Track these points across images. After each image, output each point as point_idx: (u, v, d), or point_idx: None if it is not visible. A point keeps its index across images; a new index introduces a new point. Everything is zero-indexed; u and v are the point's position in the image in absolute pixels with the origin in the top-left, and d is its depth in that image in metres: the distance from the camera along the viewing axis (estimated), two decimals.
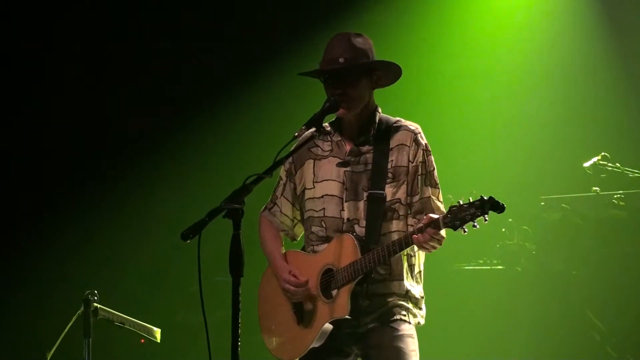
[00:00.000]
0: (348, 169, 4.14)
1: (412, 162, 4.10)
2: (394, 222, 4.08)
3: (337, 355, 4.11)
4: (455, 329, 7.59)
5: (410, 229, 4.04)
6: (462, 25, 9.03)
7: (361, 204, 4.09)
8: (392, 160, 4.10)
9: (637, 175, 7.60)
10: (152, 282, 8.34)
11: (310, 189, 4.20)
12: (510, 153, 8.83)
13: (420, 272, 4.19)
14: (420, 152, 4.11)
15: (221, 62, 8.63)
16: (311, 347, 4.06)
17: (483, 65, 8.93)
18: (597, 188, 7.69)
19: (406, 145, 4.11)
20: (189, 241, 3.54)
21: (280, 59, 8.51)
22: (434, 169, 4.15)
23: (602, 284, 7.57)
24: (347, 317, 3.98)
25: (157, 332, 5.33)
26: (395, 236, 4.03)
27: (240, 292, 3.49)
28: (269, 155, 3.92)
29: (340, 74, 4.05)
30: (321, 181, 4.18)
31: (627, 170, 7.64)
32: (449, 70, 8.94)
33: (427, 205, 4.07)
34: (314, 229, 4.17)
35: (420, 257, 4.18)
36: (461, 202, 3.78)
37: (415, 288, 4.14)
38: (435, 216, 3.83)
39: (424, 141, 4.14)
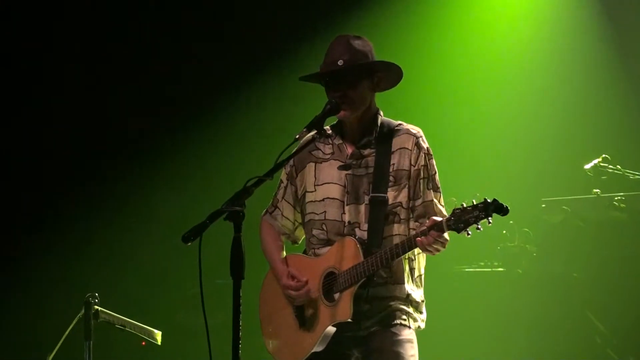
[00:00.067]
0: (349, 172, 4.14)
1: (414, 166, 4.10)
2: (395, 225, 4.08)
3: (338, 359, 4.09)
4: (456, 331, 7.59)
5: (413, 232, 4.04)
6: (462, 26, 9.01)
7: (362, 208, 4.09)
8: (393, 164, 4.10)
9: (637, 177, 7.60)
10: (153, 284, 8.33)
11: (311, 192, 4.20)
12: (511, 155, 8.83)
13: (420, 275, 4.19)
14: (422, 156, 4.11)
15: (221, 62, 8.62)
16: (313, 351, 4.05)
17: (482, 67, 8.92)
18: (597, 190, 7.68)
19: (408, 149, 4.11)
20: (189, 243, 3.54)
21: (280, 59, 8.51)
22: (435, 172, 4.15)
23: (603, 286, 7.56)
24: (349, 320, 3.98)
25: (158, 334, 5.33)
26: (396, 240, 4.03)
27: (241, 294, 3.49)
28: (269, 155, 3.93)
29: (340, 76, 4.05)
30: (322, 184, 4.18)
31: (627, 172, 7.64)
32: (448, 72, 8.93)
33: (429, 209, 4.07)
34: (314, 232, 4.17)
35: (420, 261, 4.18)
36: (464, 205, 3.77)
37: (416, 292, 4.14)
38: (439, 219, 3.82)
39: (425, 145, 4.14)
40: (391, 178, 4.09)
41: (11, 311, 7.99)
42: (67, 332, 5.05)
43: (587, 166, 7.73)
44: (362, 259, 3.96)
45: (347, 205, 4.11)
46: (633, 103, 8.77)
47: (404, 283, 4.08)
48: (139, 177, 8.46)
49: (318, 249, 4.16)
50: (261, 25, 8.67)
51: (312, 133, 4.07)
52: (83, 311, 4.97)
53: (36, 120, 8.24)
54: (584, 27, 8.95)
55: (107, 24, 8.45)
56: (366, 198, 4.08)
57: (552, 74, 8.93)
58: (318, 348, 4.05)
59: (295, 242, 4.38)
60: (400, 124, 4.18)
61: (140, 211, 8.46)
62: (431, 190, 4.11)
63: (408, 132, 4.14)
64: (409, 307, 4.10)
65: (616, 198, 7.62)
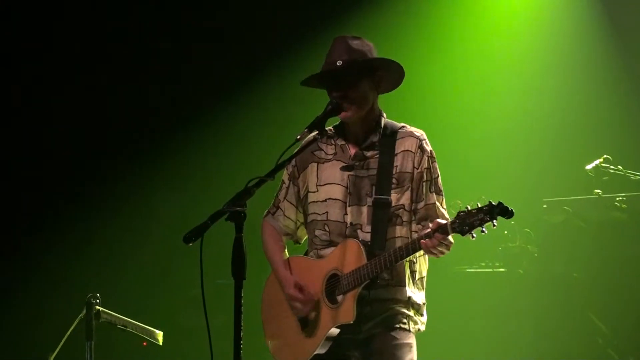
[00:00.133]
0: (352, 173, 4.13)
1: (417, 169, 4.10)
2: (398, 227, 4.07)
3: None
4: (457, 332, 7.59)
5: (415, 235, 4.04)
6: (462, 27, 9.01)
7: (364, 209, 4.08)
8: (396, 166, 4.09)
9: (639, 177, 7.60)
10: (154, 284, 8.34)
11: (314, 192, 4.20)
12: (512, 156, 8.82)
13: (422, 278, 4.19)
14: (426, 159, 4.11)
15: (221, 62, 8.62)
16: (316, 352, 4.05)
17: (483, 68, 8.92)
18: (599, 190, 7.68)
19: (411, 152, 4.11)
20: (191, 244, 3.53)
21: (280, 59, 8.51)
22: (438, 175, 4.15)
23: (604, 287, 7.56)
24: (351, 322, 3.97)
25: (159, 334, 5.33)
26: (399, 242, 4.03)
27: (242, 295, 3.49)
28: (270, 156, 3.92)
29: (340, 76, 4.04)
30: (324, 184, 4.17)
31: (629, 173, 7.64)
32: (448, 73, 8.93)
33: (431, 212, 4.07)
34: (317, 232, 4.16)
35: (422, 264, 4.18)
36: (469, 208, 3.77)
37: (417, 295, 4.14)
38: (443, 221, 3.82)
39: (429, 148, 4.14)
40: (394, 180, 4.08)
41: (12, 311, 7.99)
42: (68, 333, 5.06)
43: (589, 167, 7.73)
44: (365, 261, 3.95)
45: (349, 206, 4.10)
46: (634, 103, 8.77)
47: (405, 286, 4.07)
48: (139, 177, 8.46)
49: (321, 249, 4.15)
50: (261, 25, 8.67)
51: (314, 134, 4.08)
52: (84, 311, 4.98)
53: (36, 120, 8.24)
54: (585, 28, 8.96)
55: (107, 24, 8.44)
56: (369, 200, 4.07)
57: (553, 74, 8.93)
58: (321, 350, 4.04)
59: (297, 242, 4.37)
60: (403, 126, 4.17)
61: (140, 211, 8.46)
62: (434, 193, 4.11)
63: (412, 134, 4.14)
64: (409, 310, 4.09)
65: (617, 198, 7.62)
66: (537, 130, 8.89)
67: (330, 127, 4.21)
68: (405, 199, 4.08)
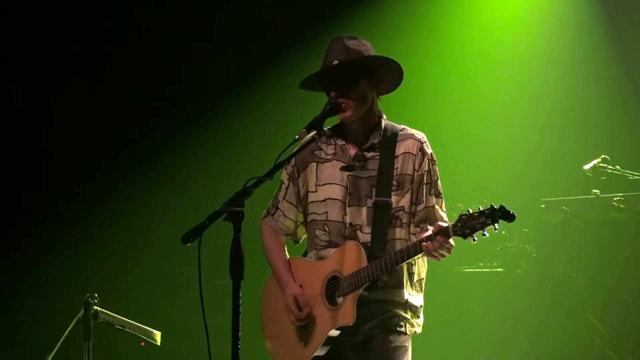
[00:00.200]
0: (352, 173, 4.13)
1: (418, 171, 4.10)
2: (398, 229, 4.08)
3: None
4: (455, 332, 7.59)
5: (412, 237, 4.05)
6: (460, 27, 9.00)
7: (364, 210, 4.08)
8: (397, 168, 4.09)
9: (637, 177, 7.60)
10: (152, 284, 8.33)
11: (313, 192, 4.20)
12: (510, 155, 8.82)
13: (421, 280, 4.18)
14: (426, 162, 4.12)
15: (221, 62, 8.62)
16: (315, 354, 4.05)
17: (481, 68, 8.91)
18: (597, 190, 7.68)
19: (412, 154, 4.11)
20: (189, 244, 3.53)
21: (280, 59, 8.50)
22: (438, 178, 4.15)
23: (602, 287, 7.56)
24: (350, 324, 3.97)
25: (157, 335, 5.33)
26: (398, 244, 4.04)
27: (240, 295, 3.48)
28: (270, 155, 3.92)
29: (337, 76, 4.04)
30: (324, 184, 4.17)
31: (627, 173, 7.64)
32: (447, 74, 8.92)
33: (430, 215, 4.08)
34: (317, 232, 4.16)
35: (421, 266, 4.18)
36: (470, 211, 3.77)
37: (415, 297, 4.13)
38: (445, 224, 3.82)
39: (429, 150, 4.14)
40: (394, 182, 4.08)
41: (11, 311, 7.99)
42: (66, 333, 5.05)
43: (587, 167, 7.73)
44: (365, 263, 3.95)
45: (348, 206, 4.11)
46: (632, 103, 8.76)
47: (403, 288, 4.07)
48: (139, 177, 8.46)
49: (321, 249, 4.15)
50: (261, 25, 8.66)
51: (312, 134, 4.07)
52: (82, 311, 4.97)
53: (36, 120, 8.24)
54: (584, 28, 8.95)
55: (107, 24, 8.44)
56: (369, 201, 4.08)
57: (551, 74, 8.92)
58: (320, 352, 4.04)
59: (297, 241, 4.36)
60: (404, 128, 4.17)
61: (140, 211, 8.46)
62: (433, 196, 4.11)
63: (413, 137, 4.14)
64: (406, 313, 4.09)
65: (615, 198, 7.62)
66: (535, 130, 8.88)
67: (329, 128, 4.20)
68: (405, 201, 4.09)
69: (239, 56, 8.63)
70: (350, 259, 4.00)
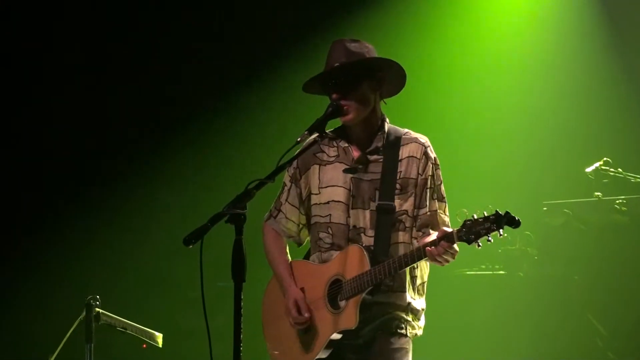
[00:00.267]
0: (355, 175, 4.12)
1: (422, 175, 4.10)
2: (401, 233, 4.08)
3: None
4: (457, 334, 7.59)
5: (414, 241, 4.05)
6: (460, 29, 8.98)
7: (367, 213, 4.08)
8: (400, 172, 4.09)
9: (639, 180, 7.60)
10: (154, 286, 8.32)
11: (316, 194, 4.20)
12: (512, 158, 8.80)
13: (423, 283, 4.19)
14: (430, 166, 4.12)
15: (221, 62, 8.61)
16: (317, 357, 4.05)
17: (483, 70, 8.89)
18: (599, 193, 7.68)
19: (416, 158, 4.11)
20: (191, 246, 3.53)
21: (280, 59, 8.50)
22: (441, 182, 4.15)
23: (604, 289, 7.57)
24: (353, 328, 3.96)
25: (159, 337, 5.33)
26: (401, 247, 4.04)
27: (242, 297, 3.49)
28: (271, 156, 3.92)
29: (339, 78, 4.04)
30: (326, 186, 4.17)
31: (629, 176, 7.64)
32: (448, 77, 8.91)
33: (433, 219, 4.08)
34: (321, 235, 4.16)
35: (423, 269, 4.18)
36: (475, 216, 3.77)
37: (417, 301, 4.14)
38: (449, 229, 3.82)
39: (433, 155, 4.15)
40: (398, 186, 4.08)
41: (11, 312, 7.98)
42: (68, 335, 5.06)
43: (589, 169, 7.73)
44: (368, 267, 3.95)
45: (352, 209, 4.11)
46: (634, 106, 8.75)
47: (405, 291, 4.08)
48: (139, 177, 8.45)
49: (324, 252, 4.14)
50: (261, 25, 8.66)
51: (314, 136, 4.06)
52: (84, 313, 4.97)
53: (36, 120, 8.23)
54: (585, 30, 8.93)
55: (107, 24, 8.44)
56: (372, 204, 4.07)
57: (553, 76, 8.91)
58: (322, 355, 4.04)
59: (300, 244, 4.36)
60: (407, 132, 4.17)
61: (140, 212, 8.45)
62: (436, 200, 4.12)
63: (416, 140, 4.14)
64: (408, 316, 4.10)
65: (617, 201, 7.62)
66: (536, 132, 8.87)
67: (331, 130, 4.19)
68: (408, 205, 4.08)
69: (239, 56, 8.62)
70: (353, 262, 4.00)
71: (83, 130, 8.33)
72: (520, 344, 7.62)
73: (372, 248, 4.01)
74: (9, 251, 8.05)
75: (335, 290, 4.03)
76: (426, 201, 4.09)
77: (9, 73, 8.17)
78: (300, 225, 4.29)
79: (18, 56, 8.18)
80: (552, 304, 7.68)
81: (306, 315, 4.06)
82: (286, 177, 4.29)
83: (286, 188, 4.29)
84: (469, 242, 3.77)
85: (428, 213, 4.08)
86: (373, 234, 4.05)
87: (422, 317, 4.17)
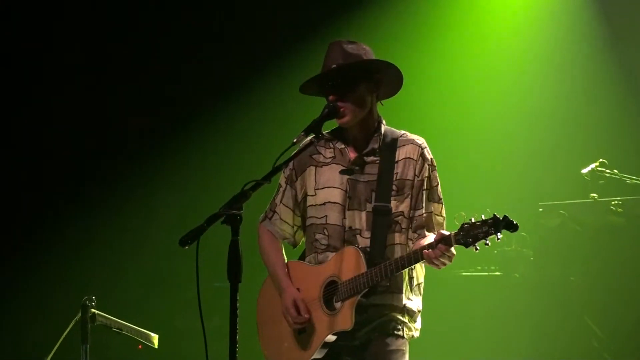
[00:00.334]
0: (351, 177, 4.12)
1: (418, 177, 4.10)
2: (397, 234, 4.08)
3: None
4: (453, 336, 7.58)
5: (410, 242, 4.05)
6: (459, 30, 8.98)
7: (364, 215, 4.08)
8: (397, 173, 4.09)
9: (635, 181, 7.59)
10: (150, 286, 8.33)
11: (312, 195, 4.19)
12: (508, 159, 8.80)
13: (419, 284, 4.18)
14: (426, 167, 4.11)
15: (221, 62, 8.62)
16: (312, 358, 4.04)
17: (479, 72, 8.89)
18: (595, 194, 7.67)
19: (413, 159, 4.10)
20: (187, 247, 3.54)
21: (280, 59, 8.50)
22: (437, 184, 4.15)
23: (600, 290, 7.56)
24: (348, 330, 3.96)
25: (155, 337, 5.32)
26: (397, 248, 4.05)
27: (238, 297, 3.48)
28: (270, 156, 3.91)
29: (336, 80, 4.03)
30: (322, 188, 4.16)
31: (625, 177, 7.63)
32: (445, 78, 8.91)
33: (429, 220, 4.08)
34: (317, 236, 4.15)
35: (419, 270, 4.17)
36: (473, 220, 3.77)
37: (414, 301, 4.13)
38: (447, 233, 3.81)
39: (429, 156, 4.14)
40: (394, 187, 4.07)
41: (9, 312, 7.99)
42: (63, 335, 5.05)
43: (584, 170, 7.72)
44: (365, 269, 3.94)
45: (348, 210, 4.10)
46: (631, 107, 8.75)
47: (402, 292, 4.07)
48: (139, 177, 8.46)
49: (320, 253, 4.14)
50: (261, 25, 8.67)
51: (310, 137, 4.06)
52: (80, 314, 4.97)
53: (36, 120, 8.25)
54: (582, 31, 8.93)
55: (107, 24, 8.45)
56: (369, 206, 4.07)
57: (549, 78, 8.90)
58: (317, 356, 4.04)
59: (295, 245, 4.35)
60: (404, 134, 4.17)
61: (139, 212, 8.47)
62: (432, 202, 4.11)
63: (413, 142, 4.13)
64: (404, 317, 4.09)
65: (613, 202, 7.61)
66: (532, 133, 8.87)
67: (327, 132, 4.19)
68: (404, 207, 4.08)
69: (239, 56, 8.63)
70: (349, 264, 3.99)
71: (83, 130, 8.35)
72: (516, 345, 7.61)
73: (368, 249, 4.00)
74: (9, 251, 8.06)
75: (331, 292, 4.03)
76: (422, 203, 4.08)
77: (9, 73, 8.19)
78: (295, 227, 4.28)
79: (18, 56, 8.20)
80: (548, 305, 7.67)
81: (306, 315, 4.06)
82: (282, 178, 4.28)
83: (281, 189, 4.28)
84: (467, 245, 3.77)
85: (424, 214, 4.08)
86: (369, 236, 4.04)
87: (419, 319, 4.16)
